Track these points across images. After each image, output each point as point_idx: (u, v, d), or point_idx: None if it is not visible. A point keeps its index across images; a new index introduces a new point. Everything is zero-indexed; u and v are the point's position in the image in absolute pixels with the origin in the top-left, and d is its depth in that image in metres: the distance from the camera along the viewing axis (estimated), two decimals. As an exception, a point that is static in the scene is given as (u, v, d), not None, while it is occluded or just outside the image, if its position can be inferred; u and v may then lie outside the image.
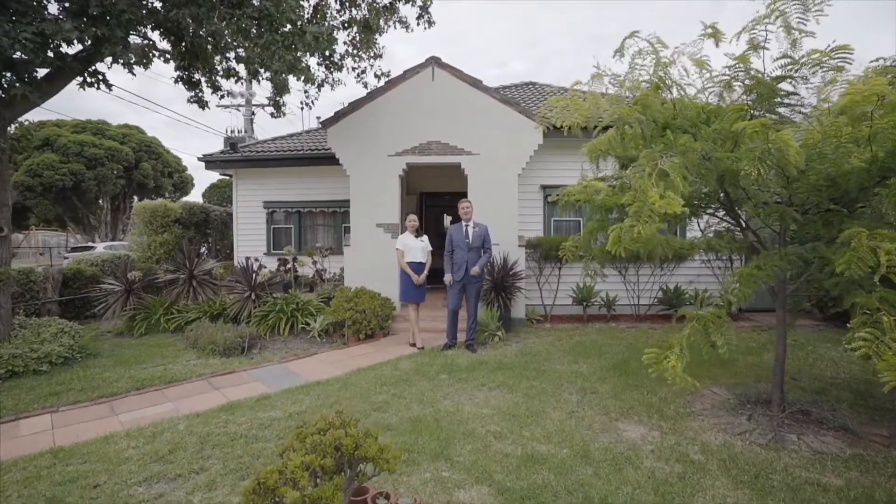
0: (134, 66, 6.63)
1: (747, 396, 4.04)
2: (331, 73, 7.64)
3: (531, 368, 5.08)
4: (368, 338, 6.49)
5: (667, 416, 3.74)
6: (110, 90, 5.65)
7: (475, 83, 7.35)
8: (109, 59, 5.51)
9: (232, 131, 20.88)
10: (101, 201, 25.36)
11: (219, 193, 26.16)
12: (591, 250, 4.38)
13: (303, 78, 6.13)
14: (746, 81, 2.80)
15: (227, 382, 4.77)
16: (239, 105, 21.84)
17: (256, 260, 8.18)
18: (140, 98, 56.40)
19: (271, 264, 8.44)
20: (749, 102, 2.89)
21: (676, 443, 3.29)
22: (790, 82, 2.80)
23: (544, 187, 8.24)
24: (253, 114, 21.41)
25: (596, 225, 4.52)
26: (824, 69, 2.61)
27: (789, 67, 2.70)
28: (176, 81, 6.95)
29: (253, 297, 6.74)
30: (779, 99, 2.82)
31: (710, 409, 3.88)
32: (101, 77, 5.46)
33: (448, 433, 3.44)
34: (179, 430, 3.55)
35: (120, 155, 23.19)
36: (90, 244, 21.42)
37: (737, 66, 2.74)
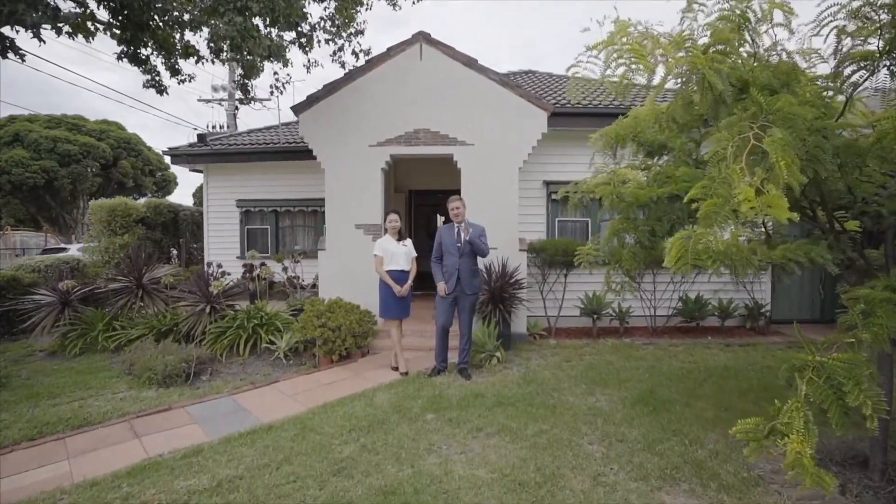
0: (71, 37, 5.64)
1: (828, 451, 3.10)
2: (304, 50, 6.62)
3: (538, 403, 4.12)
4: (344, 359, 5.50)
5: (727, 485, 2.78)
6: (23, 60, 4.63)
7: (469, 62, 6.38)
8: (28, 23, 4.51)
9: (213, 127, 19.83)
10: (79, 201, 24.15)
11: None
12: (618, 255, 3.42)
13: (251, 45, 5.11)
14: (883, 15, 1.86)
15: (155, 425, 3.76)
16: (222, 99, 20.86)
17: (220, 266, 7.18)
18: (128, 98, 54.74)
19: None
20: (878, 49, 1.94)
21: (754, 536, 2.34)
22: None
23: (548, 183, 7.29)
24: (236, 108, 20.39)
25: (621, 224, 3.56)
26: None
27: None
28: (119, 58, 5.92)
29: (208, 309, 5.72)
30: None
31: (782, 471, 2.93)
32: (8, 44, 4.44)
33: (430, 518, 2.46)
34: (55, 512, 2.55)
35: (96, 152, 22.00)
36: (63, 245, 20.21)
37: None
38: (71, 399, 4.25)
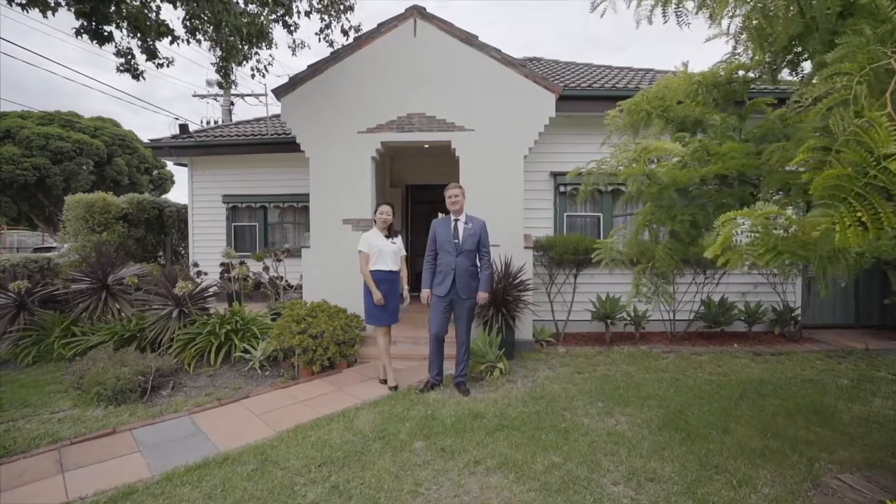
0: (24, 9, 5.08)
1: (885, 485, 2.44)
2: (289, 29, 6.01)
3: (548, 426, 3.48)
4: (327, 369, 4.89)
5: (799, 549, 2.14)
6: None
7: (469, 39, 5.74)
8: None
9: (207, 122, 19.31)
10: (73, 199, 23.63)
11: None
12: (650, 252, 2.78)
13: (229, 19, 4.52)
14: None
15: (90, 455, 3.14)
16: (217, 95, 20.42)
17: (196, 265, 6.58)
18: (134, 98, 54.25)
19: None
20: None
21: None
22: None
23: (555, 175, 6.64)
24: (231, 104, 19.94)
25: (653, 214, 2.92)
26: None
27: None
28: (78, 34, 5.32)
29: (176, 313, 5.11)
30: None
31: (865, 528, 2.28)
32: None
33: None
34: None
35: (90, 149, 21.49)
36: (55, 245, 19.73)
37: None
38: (0, 420, 3.64)
